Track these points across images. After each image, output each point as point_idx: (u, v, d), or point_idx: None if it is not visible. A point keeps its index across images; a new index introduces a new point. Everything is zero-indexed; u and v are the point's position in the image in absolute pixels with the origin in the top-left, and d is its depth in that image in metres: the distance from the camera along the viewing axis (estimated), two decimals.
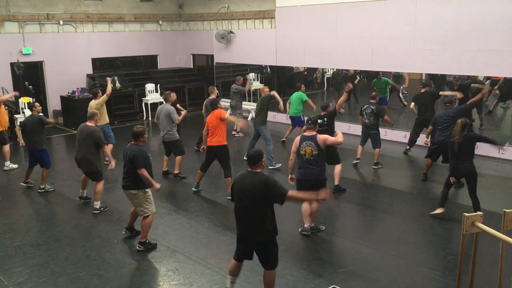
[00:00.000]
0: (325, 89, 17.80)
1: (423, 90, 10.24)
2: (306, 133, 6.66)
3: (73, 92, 14.17)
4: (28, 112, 11.65)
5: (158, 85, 15.74)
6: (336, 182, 8.41)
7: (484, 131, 11.84)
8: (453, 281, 5.06)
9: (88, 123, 7.71)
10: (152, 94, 15.58)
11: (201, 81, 17.17)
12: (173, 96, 9.44)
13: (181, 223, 7.27)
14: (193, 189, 8.63)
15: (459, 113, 8.20)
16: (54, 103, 14.59)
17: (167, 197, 8.40)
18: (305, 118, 7.10)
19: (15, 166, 10.33)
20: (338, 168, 8.42)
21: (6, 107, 11.72)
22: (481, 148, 10.47)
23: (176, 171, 9.39)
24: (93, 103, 9.91)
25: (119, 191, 8.52)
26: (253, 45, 14.86)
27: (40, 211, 8.15)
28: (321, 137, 6.57)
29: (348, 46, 12.22)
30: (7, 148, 10.25)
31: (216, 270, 5.79)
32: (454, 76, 11.58)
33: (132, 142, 6.33)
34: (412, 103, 10.42)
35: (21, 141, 8.90)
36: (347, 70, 14.65)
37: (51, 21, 14.38)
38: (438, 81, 13.31)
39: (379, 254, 6.18)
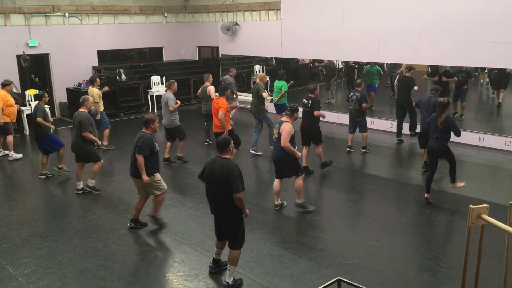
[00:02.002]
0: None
1: (408, 74, 10.69)
2: (283, 118, 7.28)
3: (79, 84, 14.19)
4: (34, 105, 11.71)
5: (164, 77, 15.75)
6: (321, 161, 9.07)
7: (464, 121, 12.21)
8: (458, 273, 5.06)
9: (80, 109, 8.01)
10: (157, 86, 15.58)
11: (207, 73, 17.11)
12: (175, 85, 9.77)
13: (187, 215, 7.31)
14: None
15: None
16: (60, 95, 14.63)
17: (173, 189, 8.42)
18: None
19: (20, 155, 10.43)
20: (318, 149, 8.96)
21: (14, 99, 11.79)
22: (487, 141, 10.45)
23: (179, 154, 9.71)
24: (91, 91, 10.54)
25: (125, 183, 8.58)
26: (259, 37, 14.81)
27: (47, 202, 8.22)
28: (283, 126, 7.03)
29: (354, 37, 12.15)
30: (10, 138, 10.38)
31: None
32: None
33: (143, 130, 6.53)
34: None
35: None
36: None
37: (57, 13, 14.38)
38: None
39: (384, 245, 6.19)
